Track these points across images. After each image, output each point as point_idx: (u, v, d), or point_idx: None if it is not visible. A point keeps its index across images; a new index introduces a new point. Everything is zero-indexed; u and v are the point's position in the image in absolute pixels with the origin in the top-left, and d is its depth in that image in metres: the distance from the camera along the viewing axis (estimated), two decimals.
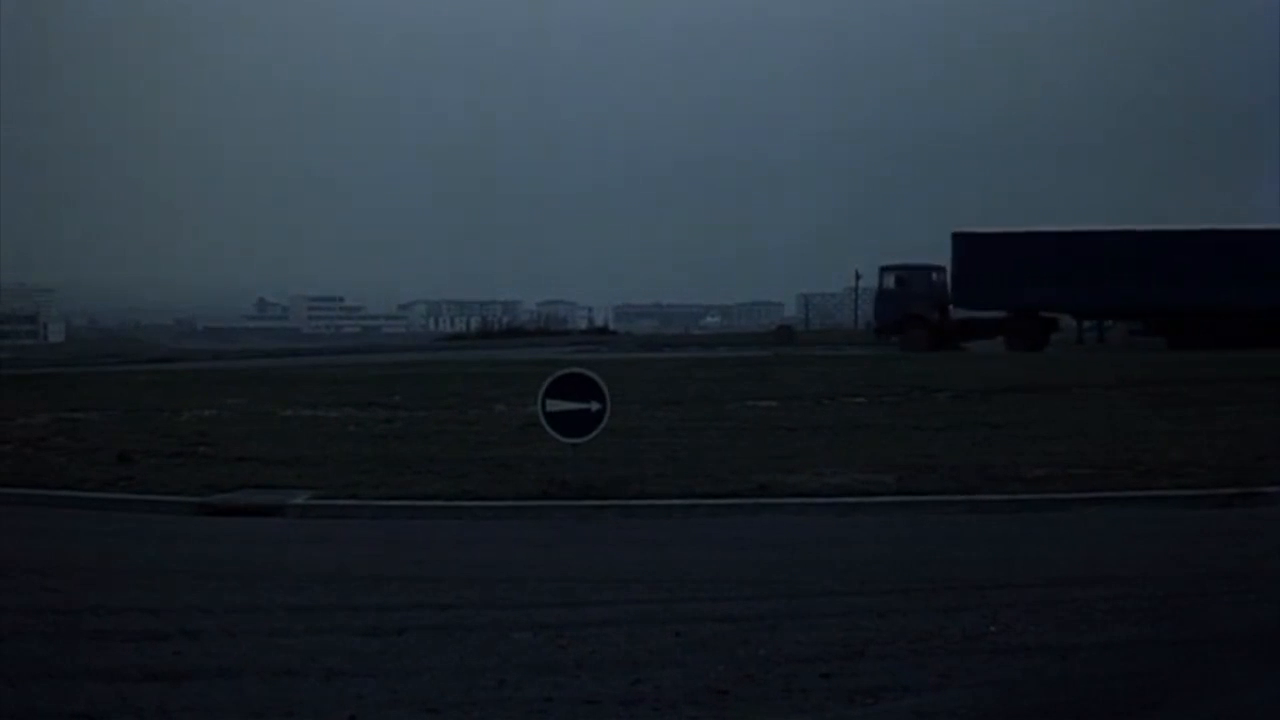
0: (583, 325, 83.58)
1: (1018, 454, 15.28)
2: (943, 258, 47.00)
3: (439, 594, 8.75)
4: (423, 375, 32.10)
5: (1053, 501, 12.59)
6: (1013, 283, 44.12)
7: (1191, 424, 18.42)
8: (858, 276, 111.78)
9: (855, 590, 8.81)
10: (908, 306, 45.69)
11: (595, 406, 13.31)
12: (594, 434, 13.43)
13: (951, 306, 46.15)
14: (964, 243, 45.96)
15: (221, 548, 10.84)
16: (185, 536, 11.56)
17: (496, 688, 6.39)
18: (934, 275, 46.94)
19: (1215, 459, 14.55)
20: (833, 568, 9.70)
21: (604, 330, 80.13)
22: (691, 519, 12.28)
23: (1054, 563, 9.90)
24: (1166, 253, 44.35)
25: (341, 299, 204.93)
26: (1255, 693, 6.29)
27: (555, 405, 13.41)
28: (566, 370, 13.97)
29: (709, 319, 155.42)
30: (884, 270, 47.84)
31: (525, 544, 11.17)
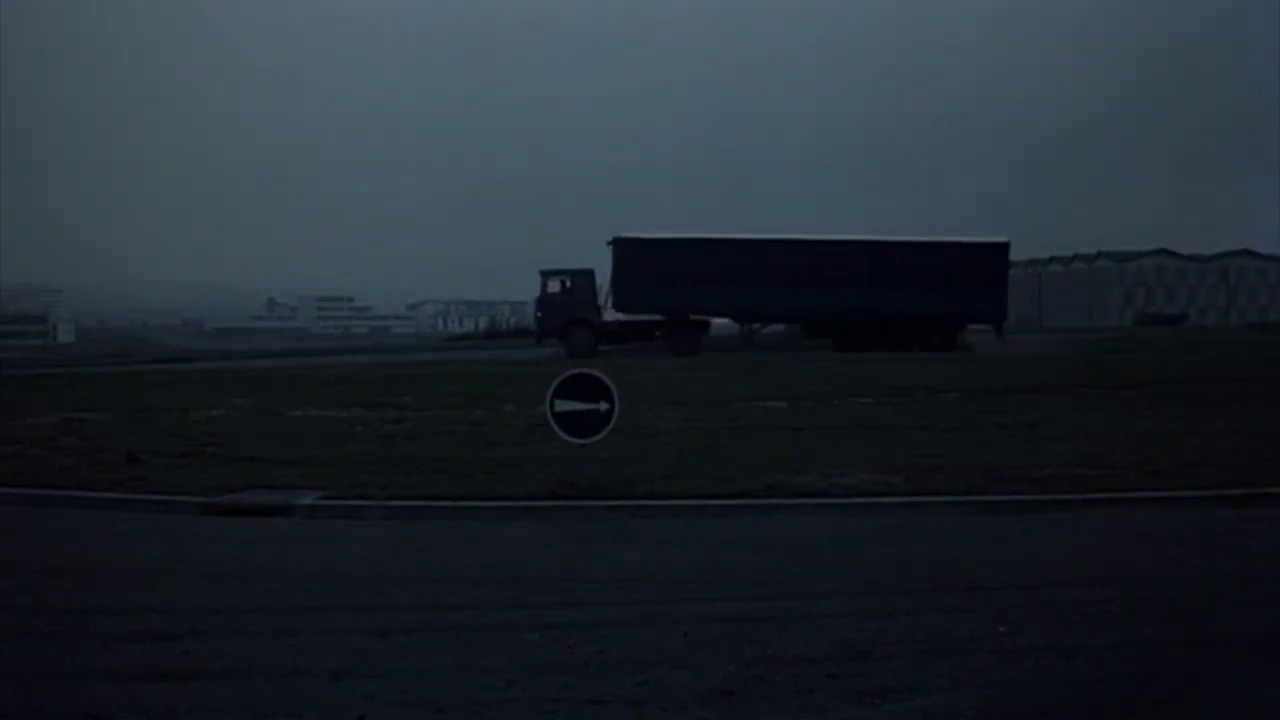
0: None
1: (1025, 454, 15.28)
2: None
3: (447, 594, 8.75)
4: (431, 375, 32.13)
5: (1060, 502, 12.57)
6: (670, 287, 45.56)
7: (1200, 424, 18.39)
8: None
9: (862, 591, 8.80)
10: (573, 310, 46.02)
11: (604, 407, 13.30)
12: (602, 434, 13.42)
13: (612, 310, 46.78)
14: (623, 247, 46.56)
15: (229, 548, 10.85)
16: (193, 537, 11.57)
17: (504, 688, 6.39)
18: (595, 279, 47.26)
19: (1223, 459, 14.53)
20: (840, 568, 9.70)
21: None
22: (699, 519, 12.28)
23: (1062, 563, 9.89)
24: (820, 261, 46.77)
25: (350, 299, 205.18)
26: (1264, 693, 6.28)
27: (564, 405, 13.41)
28: (575, 370, 13.96)
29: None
30: (546, 274, 47.34)
31: (533, 544, 11.17)
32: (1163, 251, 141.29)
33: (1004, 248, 49.09)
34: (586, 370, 13.96)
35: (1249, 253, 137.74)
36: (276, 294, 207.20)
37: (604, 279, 47.05)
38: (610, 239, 47.00)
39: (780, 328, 50.14)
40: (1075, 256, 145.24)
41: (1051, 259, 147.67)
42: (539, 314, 47.46)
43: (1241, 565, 9.58)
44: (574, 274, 47.29)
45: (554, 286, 47.00)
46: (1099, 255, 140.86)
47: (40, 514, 12.80)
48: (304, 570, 9.68)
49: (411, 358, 45.98)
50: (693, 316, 46.60)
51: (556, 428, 13.51)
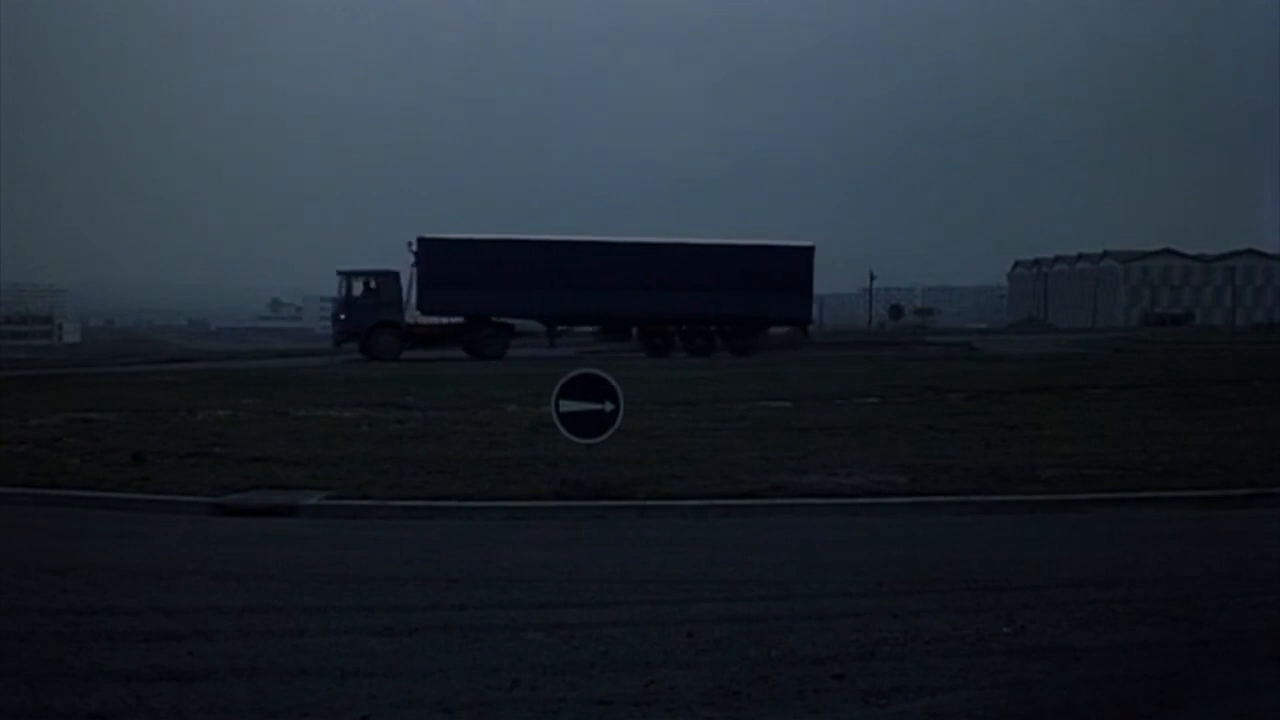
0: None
1: (1032, 454, 15.26)
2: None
3: (453, 594, 8.75)
4: (436, 376, 32.14)
5: (1067, 502, 12.56)
6: (474, 289, 45.00)
7: (1206, 424, 18.37)
8: (872, 277, 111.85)
9: (869, 591, 8.79)
10: (378, 312, 45.29)
11: (609, 407, 13.30)
12: (608, 434, 13.42)
13: (418, 312, 46.27)
14: (427, 248, 46.03)
15: (236, 548, 10.85)
16: (199, 537, 11.58)
17: (510, 688, 6.39)
18: (400, 280, 46.58)
19: (1231, 459, 14.51)
20: (846, 568, 9.69)
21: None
22: (705, 519, 12.27)
23: (1069, 563, 9.87)
24: (624, 263, 46.79)
25: None
26: (1273, 694, 6.26)
27: (569, 406, 13.40)
28: (580, 371, 13.96)
29: None
30: (349, 275, 46.52)
31: (539, 544, 11.17)
32: (1168, 251, 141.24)
33: (809, 251, 49.48)
34: (592, 371, 13.96)
35: (1255, 252, 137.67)
36: (282, 294, 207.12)
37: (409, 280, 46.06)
38: (412, 239, 46.10)
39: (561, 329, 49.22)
40: (1080, 256, 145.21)
41: (1056, 259, 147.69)
42: (342, 316, 46.29)
43: (1248, 565, 9.56)
44: (378, 275, 46.30)
45: (357, 288, 45.94)
46: (1104, 255, 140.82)
47: (47, 514, 12.81)
48: (310, 570, 9.68)
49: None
50: (496, 319, 45.97)
51: (562, 428, 13.51)
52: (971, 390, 25.47)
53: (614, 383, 13.44)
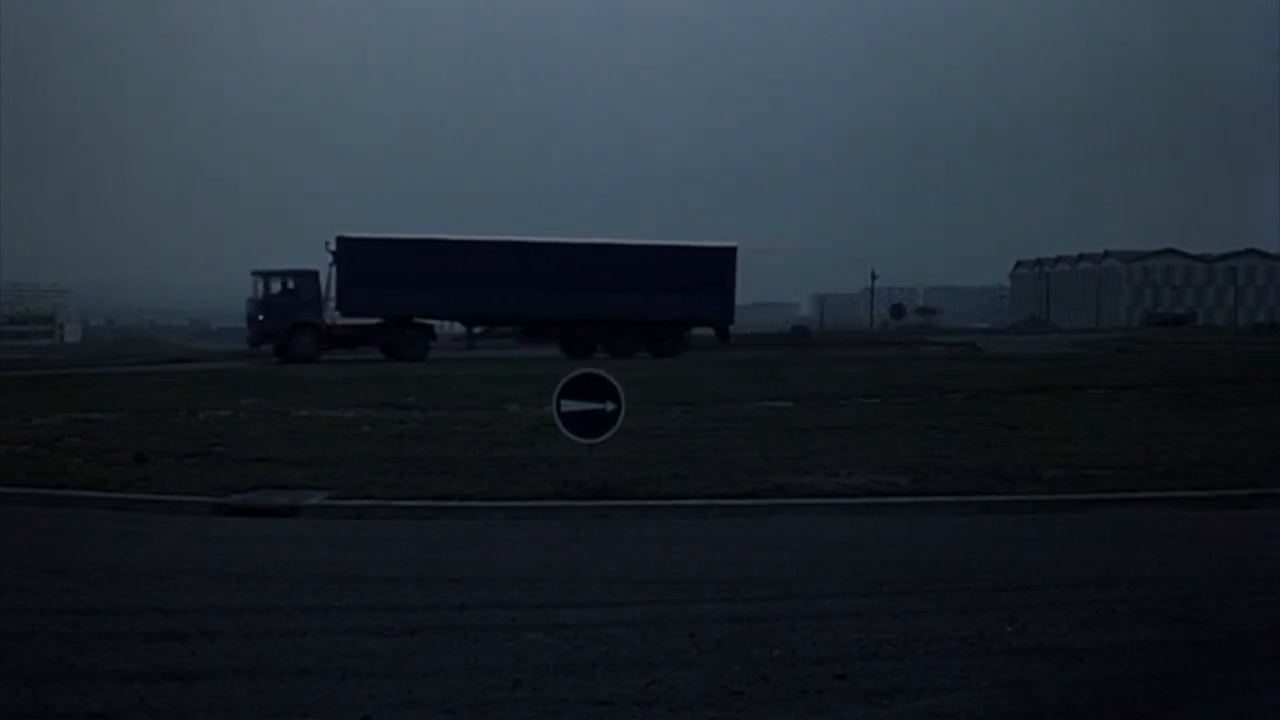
0: None
1: (1033, 455, 15.26)
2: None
3: (454, 594, 8.75)
4: (437, 376, 32.15)
5: (1068, 502, 12.56)
6: (394, 289, 44.36)
7: (1207, 425, 18.37)
8: (874, 277, 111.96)
9: (870, 591, 8.79)
10: (297, 313, 44.59)
11: (610, 407, 13.30)
12: (609, 434, 13.41)
13: (338, 313, 45.74)
14: (346, 248, 45.39)
15: (237, 548, 10.85)
16: (201, 537, 11.58)
17: (512, 688, 6.39)
18: (319, 280, 45.94)
19: (1231, 460, 14.51)
20: (848, 568, 9.69)
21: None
22: (706, 519, 12.28)
23: (1070, 563, 9.87)
24: (544, 264, 46.45)
25: None
26: (1273, 694, 6.26)
27: (570, 405, 13.40)
28: (581, 370, 13.96)
29: None
30: (265, 275, 45.79)
31: (540, 544, 11.17)
32: (1170, 251, 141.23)
33: (731, 252, 49.33)
34: (593, 371, 13.96)
35: (1256, 252, 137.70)
36: None
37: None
38: (330, 239, 45.51)
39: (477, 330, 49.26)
40: (1082, 256, 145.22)
41: (1059, 258, 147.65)
42: (260, 317, 45.22)
43: (1248, 565, 9.57)
44: (297, 275, 45.54)
45: (275, 288, 45.18)
46: (1106, 255, 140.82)
47: (48, 514, 12.81)
48: (311, 570, 9.68)
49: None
50: (417, 319, 45.51)
51: (563, 428, 13.51)
52: (973, 390, 25.48)
53: (615, 383, 13.44)
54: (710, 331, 49.09)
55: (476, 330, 48.23)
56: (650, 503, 12.73)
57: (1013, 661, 6.82)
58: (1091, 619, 7.69)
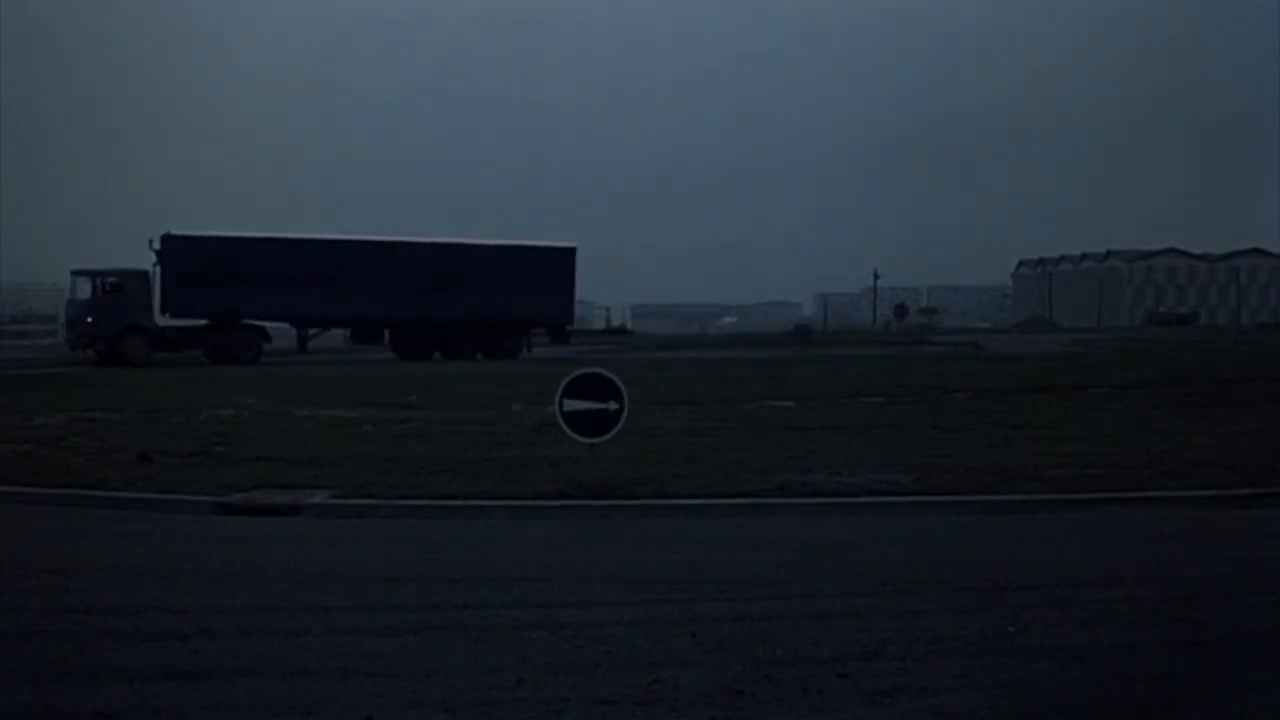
0: (601, 325, 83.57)
1: (1034, 454, 15.25)
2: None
3: (456, 594, 8.76)
4: (439, 375, 32.17)
5: (1071, 502, 12.56)
6: (221, 290, 42.95)
7: (1208, 424, 18.36)
8: (876, 276, 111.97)
9: (873, 591, 8.79)
10: (126, 315, 42.43)
11: (613, 406, 13.30)
12: (611, 434, 13.41)
13: (166, 314, 44.03)
14: (174, 246, 43.67)
15: (239, 547, 10.86)
16: (203, 536, 11.59)
17: (514, 687, 6.39)
18: (149, 281, 44.01)
19: (1233, 459, 14.50)
20: (850, 568, 9.69)
21: (622, 330, 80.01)
22: (708, 519, 12.28)
23: (1072, 563, 9.87)
24: (376, 263, 45.55)
25: None
26: (1273, 694, 6.26)
27: (573, 405, 13.40)
28: (584, 370, 13.96)
29: (726, 319, 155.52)
30: (93, 275, 43.36)
31: (542, 544, 11.17)
32: (1173, 250, 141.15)
33: (570, 252, 48.79)
34: (596, 370, 13.96)
35: (1259, 251, 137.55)
36: None
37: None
38: (154, 238, 43.83)
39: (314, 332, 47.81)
40: (1085, 255, 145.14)
41: (1061, 258, 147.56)
42: (89, 319, 42.47)
43: (1249, 565, 9.56)
44: (126, 275, 43.59)
45: (101, 289, 42.90)
46: (1109, 254, 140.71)
47: (51, 513, 12.83)
48: (314, 569, 9.69)
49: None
50: (246, 321, 43.93)
51: (565, 427, 13.52)
52: (975, 390, 25.46)
53: (618, 382, 13.44)
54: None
55: (310, 332, 46.73)
56: (652, 502, 12.73)
57: (1014, 661, 6.82)
58: (1093, 619, 7.69)
